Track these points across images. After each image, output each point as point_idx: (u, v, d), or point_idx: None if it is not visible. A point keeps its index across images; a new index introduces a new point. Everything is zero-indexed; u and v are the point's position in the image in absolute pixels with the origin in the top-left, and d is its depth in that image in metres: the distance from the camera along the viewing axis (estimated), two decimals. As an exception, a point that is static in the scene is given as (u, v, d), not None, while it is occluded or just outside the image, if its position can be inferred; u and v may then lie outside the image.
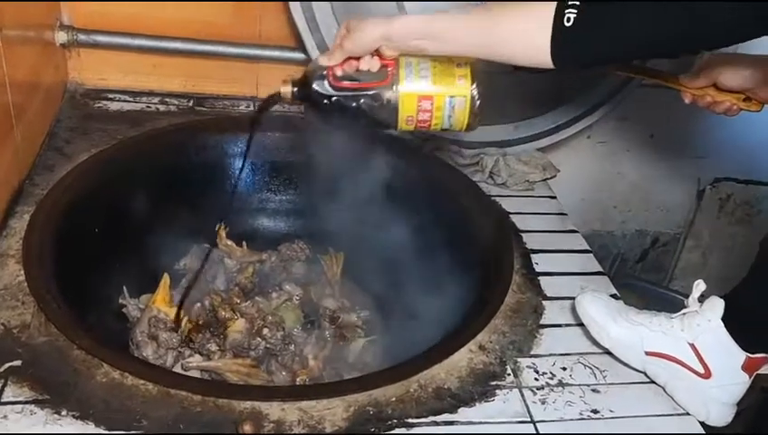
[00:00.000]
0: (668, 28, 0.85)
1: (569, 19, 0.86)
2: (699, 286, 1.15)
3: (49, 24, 1.60)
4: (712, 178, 2.22)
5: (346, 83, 1.03)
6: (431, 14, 0.96)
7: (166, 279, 1.38)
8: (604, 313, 1.19)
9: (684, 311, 1.15)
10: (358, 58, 1.02)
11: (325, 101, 1.04)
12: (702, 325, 1.12)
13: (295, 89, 1.07)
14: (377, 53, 1.02)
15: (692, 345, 1.12)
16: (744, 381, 1.12)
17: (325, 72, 1.04)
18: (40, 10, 1.54)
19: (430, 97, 1.03)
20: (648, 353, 1.15)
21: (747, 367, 1.11)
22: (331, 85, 1.03)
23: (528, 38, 0.90)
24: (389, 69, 1.03)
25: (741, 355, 1.10)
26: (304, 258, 1.60)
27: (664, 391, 1.16)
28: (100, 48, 1.68)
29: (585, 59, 0.92)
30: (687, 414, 1.13)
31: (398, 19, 0.97)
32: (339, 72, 1.03)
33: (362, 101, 1.03)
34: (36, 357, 1.04)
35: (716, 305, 1.12)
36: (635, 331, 1.16)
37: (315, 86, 1.04)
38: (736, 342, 1.10)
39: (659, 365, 1.15)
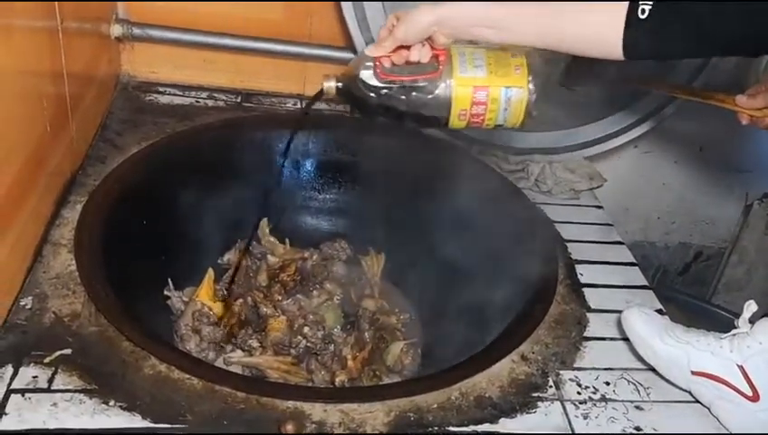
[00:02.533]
0: (751, 24, 0.81)
1: (643, 11, 0.84)
2: (750, 307, 1.13)
3: (105, 18, 1.62)
4: (761, 193, 2.18)
5: (395, 75, 0.97)
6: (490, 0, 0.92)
7: (210, 274, 1.40)
8: (650, 329, 1.17)
9: (733, 332, 1.13)
10: (408, 48, 0.97)
11: (372, 94, 0.98)
12: (752, 347, 1.09)
13: (339, 84, 1.02)
14: (428, 41, 0.96)
15: (741, 367, 1.10)
16: None
17: (372, 64, 0.97)
18: (97, 4, 1.57)
19: (486, 87, 0.96)
20: (694, 373, 1.13)
21: None
22: (378, 78, 0.97)
23: (598, 29, 0.88)
24: (441, 59, 0.97)
25: None
26: (345, 258, 1.61)
27: (709, 411, 1.14)
28: (153, 42, 1.71)
29: (658, 52, 0.89)
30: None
31: (455, 4, 0.93)
32: (387, 64, 0.97)
33: (412, 94, 0.97)
34: (86, 347, 1.06)
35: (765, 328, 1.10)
36: (682, 349, 1.14)
37: (362, 78, 0.98)
38: None
39: (705, 385, 1.13)
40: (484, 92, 0.97)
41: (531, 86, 0.97)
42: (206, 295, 1.36)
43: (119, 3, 1.67)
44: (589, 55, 0.91)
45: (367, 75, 0.98)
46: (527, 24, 0.91)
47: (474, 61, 0.98)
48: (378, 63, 0.98)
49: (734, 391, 1.10)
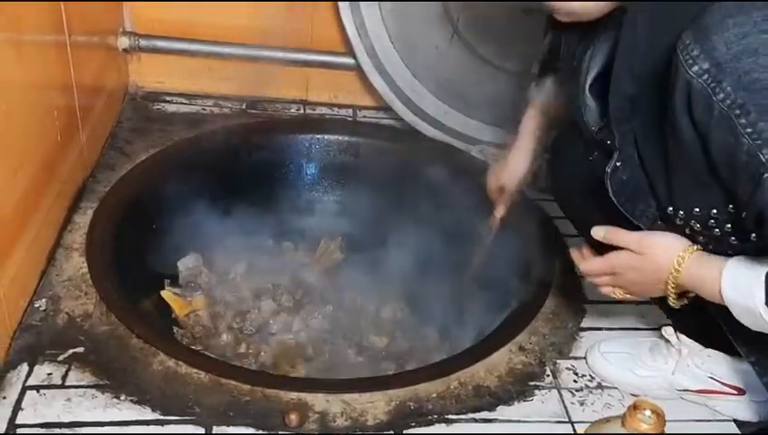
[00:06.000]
0: None
1: None
2: (668, 331, 1.14)
3: (112, 30, 1.68)
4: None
5: None
6: None
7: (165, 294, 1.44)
8: (619, 368, 1.17)
9: (678, 349, 1.14)
10: None
11: None
12: (705, 361, 1.12)
13: None
14: None
15: (712, 377, 1.13)
16: None
17: None
18: (105, 17, 1.63)
19: None
20: (678, 391, 1.15)
21: None
22: None
23: None
24: None
25: None
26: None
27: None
28: (159, 53, 1.76)
29: None
30: (726, 420, 1.14)
31: None
32: None
33: None
34: (97, 345, 1.11)
35: (695, 349, 1.13)
36: (658, 376, 1.15)
37: None
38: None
39: (694, 398, 1.16)
40: None
41: None
42: (182, 310, 1.42)
43: (126, 17, 1.72)
44: None
45: None
46: None
47: None
48: None
49: (721, 394, 1.13)
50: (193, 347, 1.33)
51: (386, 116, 1.85)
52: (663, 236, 0.95)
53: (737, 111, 0.77)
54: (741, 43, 0.77)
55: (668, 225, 0.95)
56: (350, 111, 1.89)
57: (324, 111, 1.89)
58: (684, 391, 1.15)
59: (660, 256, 0.94)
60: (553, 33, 1.14)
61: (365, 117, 1.87)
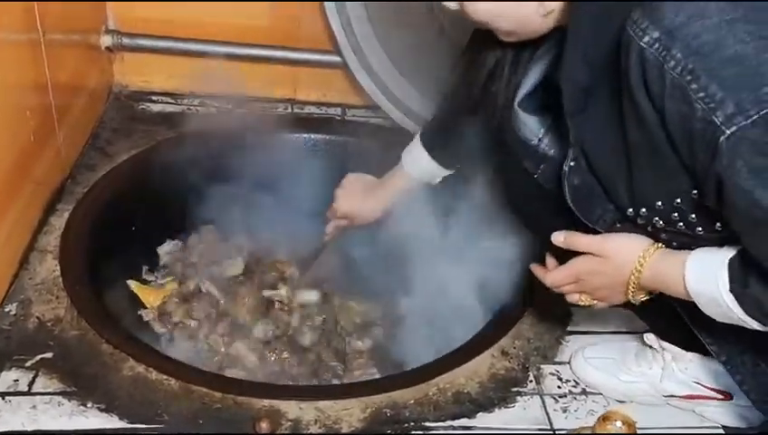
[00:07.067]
0: None
1: None
2: (650, 338, 1.11)
3: (95, 29, 1.65)
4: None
5: None
6: None
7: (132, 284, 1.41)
8: (604, 373, 1.14)
9: (662, 355, 1.11)
10: None
11: None
12: (689, 366, 1.09)
13: None
14: None
15: (698, 383, 1.10)
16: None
17: None
18: (86, 16, 1.60)
19: None
20: (665, 396, 1.12)
21: None
22: None
23: None
24: None
25: None
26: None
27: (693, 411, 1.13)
28: (143, 51, 1.73)
29: None
30: (714, 427, 1.11)
31: None
32: None
33: None
34: (67, 350, 1.08)
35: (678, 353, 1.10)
36: (643, 382, 1.12)
37: None
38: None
39: (681, 404, 1.12)
40: None
41: None
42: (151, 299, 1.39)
43: (109, 15, 1.70)
44: None
45: None
46: None
47: None
48: None
49: (708, 399, 1.10)
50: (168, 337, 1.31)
51: (374, 115, 1.82)
52: (625, 237, 0.93)
53: (688, 78, 0.74)
54: (689, 8, 0.74)
55: (627, 226, 0.92)
56: (339, 109, 1.86)
57: (313, 109, 1.86)
58: (670, 396, 1.11)
59: (622, 256, 0.92)
60: (470, 59, 1.09)
61: (354, 116, 1.84)
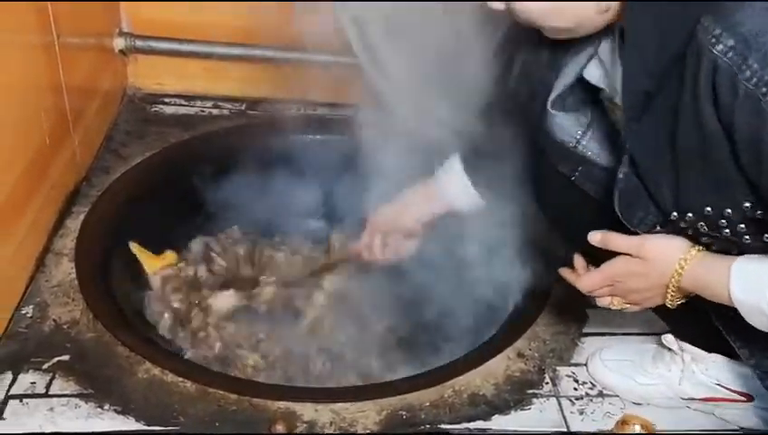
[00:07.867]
0: None
1: None
2: (668, 339, 1.10)
3: (108, 32, 1.66)
4: None
5: None
6: None
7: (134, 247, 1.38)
8: (622, 376, 1.13)
9: (682, 356, 1.10)
10: None
11: None
12: (710, 367, 1.08)
13: None
14: None
15: (719, 384, 1.08)
16: None
17: None
18: (100, 18, 1.61)
19: None
20: (684, 399, 1.11)
21: None
22: None
23: None
24: None
25: None
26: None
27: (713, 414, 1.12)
28: (156, 54, 1.74)
29: None
30: (734, 430, 1.09)
31: None
32: None
33: None
34: (83, 352, 1.09)
35: (698, 355, 1.09)
36: (663, 383, 1.10)
37: None
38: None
39: (702, 406, 1.11)
40: None
41: None
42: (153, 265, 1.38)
43: (122, 18, 1.70)
44: None
45: None
46: None
47: None
48: None
49: (728, 401, 1.09)
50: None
51: (387, 116, 1.81)
52: (664, 239, 0.90)
53: (763, 90, 0.71)
54: (765, 15, 0.71)
55: (668, 229, 0.90)
56: (352, 110, 1.86)
57: (325, 111, 1.85)
58: (689, 399, 1.10)
59: (662, 258, 0.89)
60: (503, 63, 1.07)
61: (365, 117, 1.84)
